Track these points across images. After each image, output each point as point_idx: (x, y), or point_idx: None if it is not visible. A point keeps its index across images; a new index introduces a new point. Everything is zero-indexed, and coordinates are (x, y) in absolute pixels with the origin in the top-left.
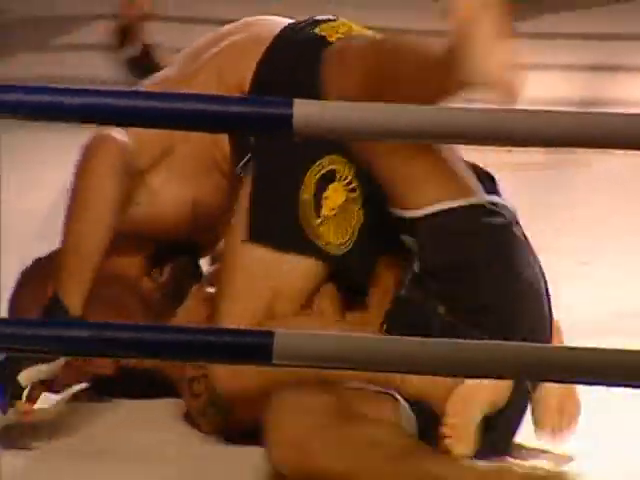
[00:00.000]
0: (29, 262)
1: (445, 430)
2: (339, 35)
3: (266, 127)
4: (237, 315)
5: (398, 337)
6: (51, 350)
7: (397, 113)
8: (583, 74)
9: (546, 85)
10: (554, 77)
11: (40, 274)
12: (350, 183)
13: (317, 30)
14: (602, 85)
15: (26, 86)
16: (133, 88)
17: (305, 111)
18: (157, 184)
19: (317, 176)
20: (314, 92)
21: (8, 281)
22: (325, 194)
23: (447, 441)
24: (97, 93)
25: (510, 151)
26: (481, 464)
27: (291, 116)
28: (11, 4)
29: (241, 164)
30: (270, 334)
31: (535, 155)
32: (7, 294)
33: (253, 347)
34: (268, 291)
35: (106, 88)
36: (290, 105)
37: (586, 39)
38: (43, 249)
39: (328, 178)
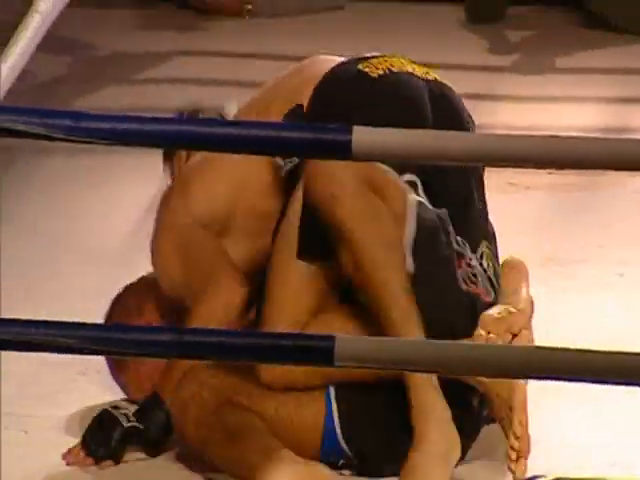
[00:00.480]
0: (118, 285)
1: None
2: (380, 72)
3: (328, 152)
4: (283, 324)
5: (454, 342)
6: (135, 353)
7: (449, 139)
8: (614, 106)
9: (579, 115)
10: (588, 109)
11: (131, 301)
12: None
13: (360, 66)
14: (633, 115)
15: (114, 115)
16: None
17: (363, 137)
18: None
19: None
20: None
21: (87, 302)
22: None
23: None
24: (171, 121)
25: (551, 173)
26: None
27: (350, 142)
28: (102, 41)
29: (288, 168)
30: (331, 338)
31: (570, 177)
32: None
33: (315, 349)
34: (314, 302)
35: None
36: (349, 132)
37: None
38: (125, 268)
39: None
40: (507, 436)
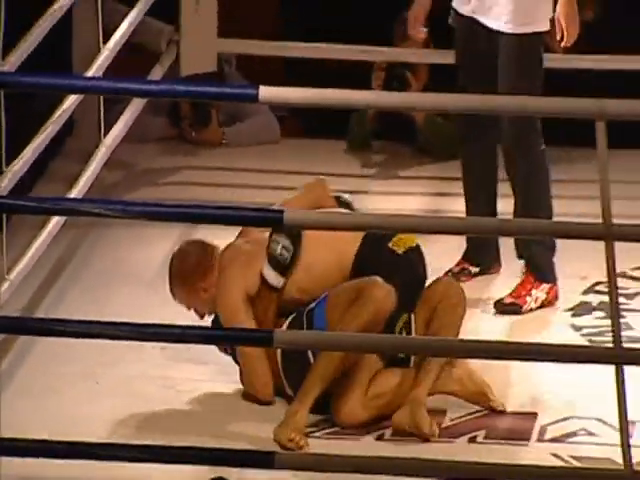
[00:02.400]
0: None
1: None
2: (404, 249)
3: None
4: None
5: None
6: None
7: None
8: (430, 197)
9: (411, 202)
10: (415, 199)
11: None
12: None
13: (390, 244)
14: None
15: (145, 202)
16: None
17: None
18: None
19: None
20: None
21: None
22: None
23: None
24: (175, 206)
25: None
26: None
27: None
28: (139, 160)
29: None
30: (271, 331)
31: None
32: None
33: (258, 337)
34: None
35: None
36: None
37: None
38: (155, 297)
39: None
40: (488, 408)
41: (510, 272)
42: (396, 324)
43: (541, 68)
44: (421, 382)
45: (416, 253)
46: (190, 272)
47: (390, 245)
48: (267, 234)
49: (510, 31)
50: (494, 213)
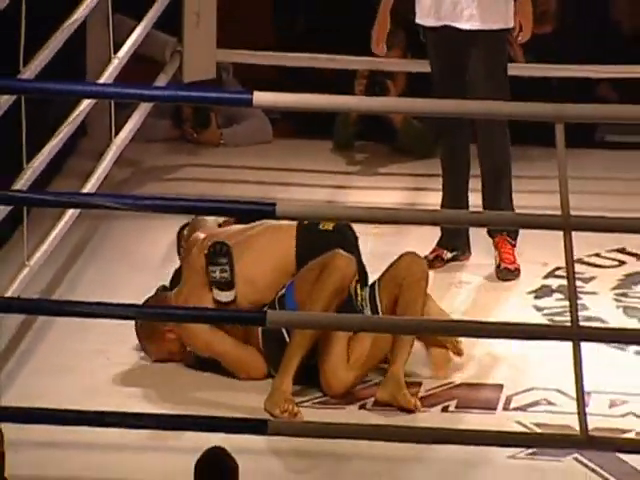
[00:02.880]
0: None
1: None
2: (332, 225)
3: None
4: None
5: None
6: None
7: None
8: (408, 191)
9: (390, 196)
10: (393, 193)
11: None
12: None
13: (320, 226)
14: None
15: (151, 196)
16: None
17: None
18: None
19: None
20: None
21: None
22: None
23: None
24: (178, 200)
25: None
26: None
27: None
28: (146, 158)
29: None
30: (264, 312)
31: None
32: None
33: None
34: None
35: None
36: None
37: None
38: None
39: None
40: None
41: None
42: (356, 295)
43: (505, 62)
44: (397, 359)
45: (344, 226)
46: (151, 324)
47: (321, 226)
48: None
49: (484, 28)
50: (467, 203)
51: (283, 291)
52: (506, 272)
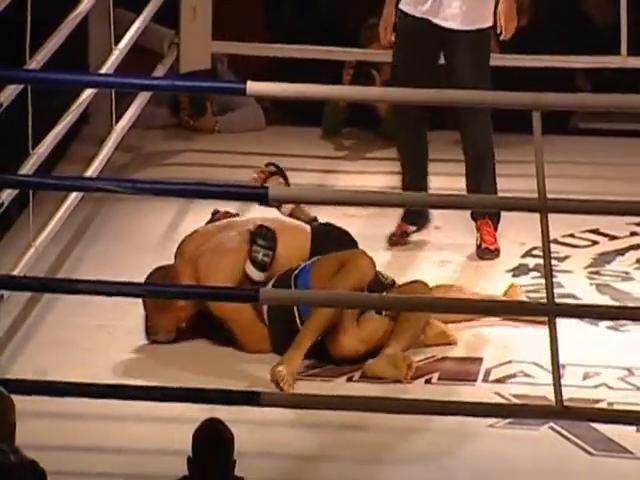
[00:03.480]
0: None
1: None
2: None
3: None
4: None
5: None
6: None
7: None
8: (392, 175)
9: (375, 180)
10: (380, 177)
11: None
12: None
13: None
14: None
15: (151, 180)
16: None
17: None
18: None
19: None
20: None
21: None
22: None
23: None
24: (174, 184)
25: None
26: None
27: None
28: (147, 144)
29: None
30: (257, 290)
31: None
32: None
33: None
34: None
35: None
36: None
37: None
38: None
39: None
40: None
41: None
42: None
43: (489, 58)
44: (398, 339)
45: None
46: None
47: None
48: (238, 220)
49: (465, 28)
50: (427, 186)
51: (297, 272)
52: (486, 252)
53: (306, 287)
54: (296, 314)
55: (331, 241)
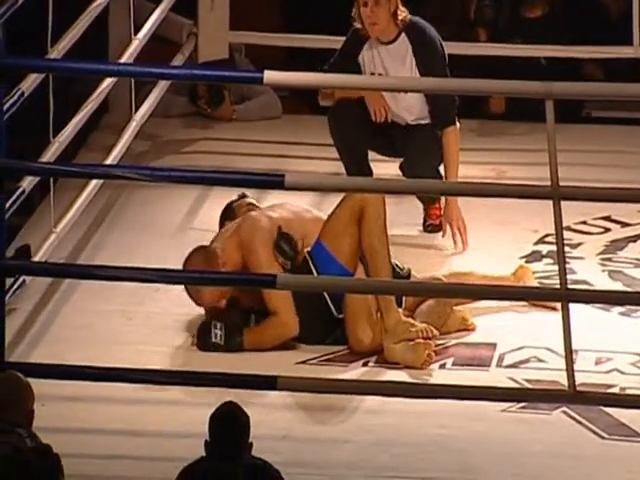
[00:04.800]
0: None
1: None
2: None
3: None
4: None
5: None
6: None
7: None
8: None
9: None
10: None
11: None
12: None
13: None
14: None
15: (169, 168)
16: None
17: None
18: None
19: None
20: None
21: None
22: None
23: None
24: (192, 171)
25: None
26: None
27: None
28: (165, 132)
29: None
30: (274, 275)
31: None
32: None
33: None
34: None
35: None
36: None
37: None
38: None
39: None
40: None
41: None
42: None
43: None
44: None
45: None
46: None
47: None
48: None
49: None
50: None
51: (309, 249)
52: (432, 227)
53: (328, 259)
54: (330, 304)
55: None
